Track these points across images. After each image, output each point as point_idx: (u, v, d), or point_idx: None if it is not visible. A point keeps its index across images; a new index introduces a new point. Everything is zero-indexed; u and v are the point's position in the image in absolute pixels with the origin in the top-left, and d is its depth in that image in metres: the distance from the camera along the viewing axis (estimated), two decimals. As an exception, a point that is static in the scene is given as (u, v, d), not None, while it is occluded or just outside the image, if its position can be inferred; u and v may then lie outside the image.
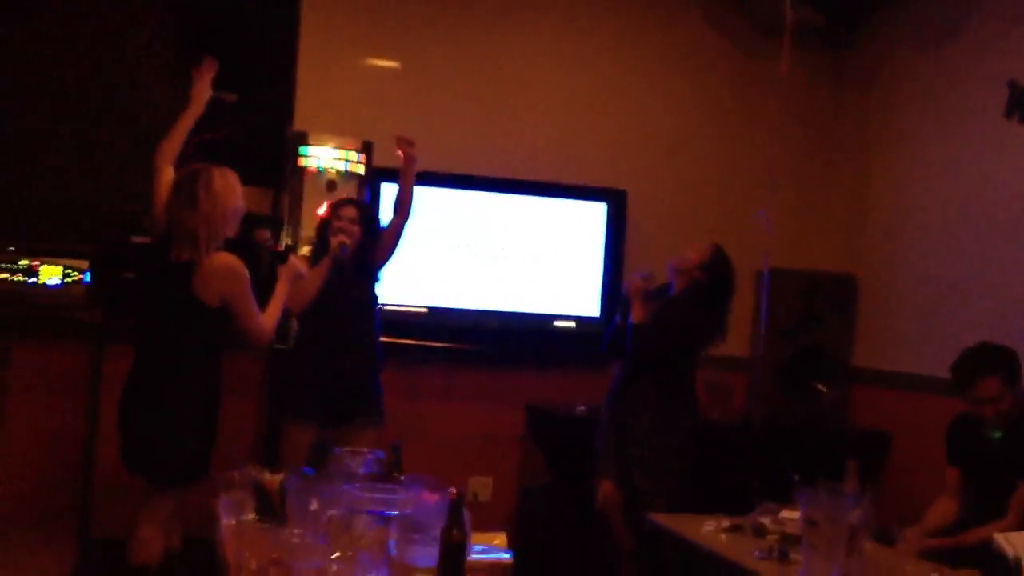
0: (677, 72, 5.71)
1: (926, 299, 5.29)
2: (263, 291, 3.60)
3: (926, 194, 5.39)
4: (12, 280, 4.60)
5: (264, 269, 4.14)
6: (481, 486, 5.34)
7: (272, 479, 2.88)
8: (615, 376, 4.47)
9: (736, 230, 5.60)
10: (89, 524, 4.71)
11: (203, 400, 3.46)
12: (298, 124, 5.08)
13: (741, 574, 3.12)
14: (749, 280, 5.65)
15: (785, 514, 3.33)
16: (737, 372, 5.54)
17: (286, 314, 3.90)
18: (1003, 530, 3.40)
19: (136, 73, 5.45)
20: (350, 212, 4.19)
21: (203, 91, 3.89)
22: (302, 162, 4.86)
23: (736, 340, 5.55)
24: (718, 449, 5.03)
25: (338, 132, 4.97)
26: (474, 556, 2.53)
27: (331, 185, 4.84)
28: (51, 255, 4.69)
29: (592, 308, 5.44)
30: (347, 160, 4.90)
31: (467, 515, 2.39)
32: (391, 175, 5.10)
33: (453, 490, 2.37)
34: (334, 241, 4.10)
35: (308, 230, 4.78)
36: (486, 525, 2.92)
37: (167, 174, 3.61)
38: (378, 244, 4.23)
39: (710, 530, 3.40)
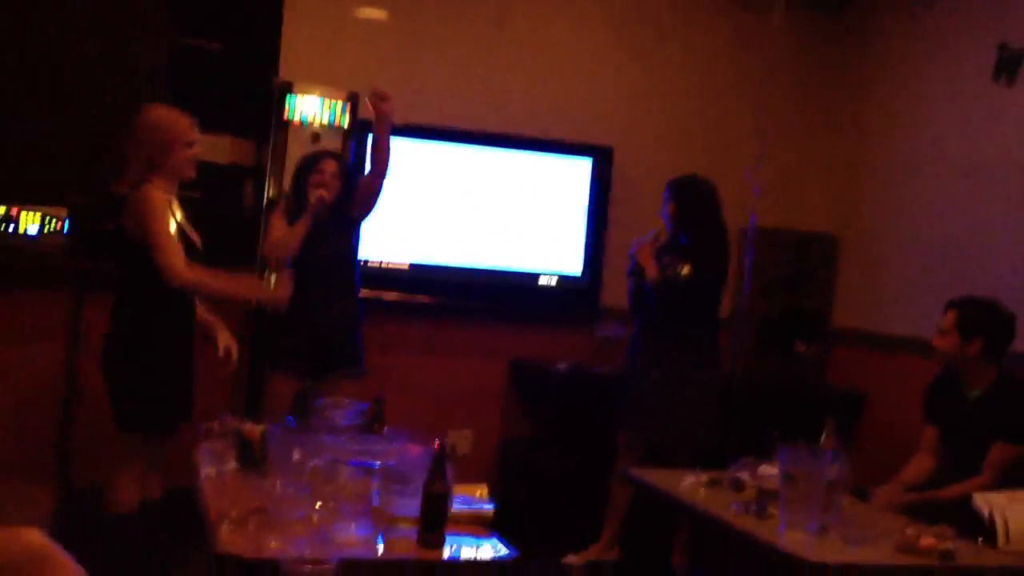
0: (666, 27, 5.67)
1: (907, 261, 5.32)
2: None
3: (912, 156, 5.40)
4: (-10, 228, 4.56)
5: None
6: (461, 439, 5.37)
7: (253, 429, 2.87)
8: (637, 333, 4.48)
9: (722, 188, 5.60)
10: (68, 473, 4.70)
11: (163, 342, 3.42)
12: (284, 74, 5.03)
13: (720, 528, 3.16)
14: (734, 238, 5.66)
15: (763, 469, 3.36)
16: (720, 331, 5.54)
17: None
18: (978, 487, 3.46)
19: (119, 22, 5.37)
20: (331, 166, 4.14)
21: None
22: (287, 113, 4.81)
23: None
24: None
25: (324, 83, 4.92)
26: (456, 507, 2.55)
27: (316, 137, 4.80)
28: (30, 203, 4.63)
29: (575, 265, 5.44)
30: (333, 112, 4.85)
31: (450, 468, 2.40)
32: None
33: (437, 442, 2.38)
34: (314, 195, 4.06)
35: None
36: (465, 477, 2.94)
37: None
38: (355, 198, 4.19)
39: (689, 485, 3.43)
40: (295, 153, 4.73)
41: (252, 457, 2.78)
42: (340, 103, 4.87)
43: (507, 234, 5.36)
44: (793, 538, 2.89)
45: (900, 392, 4.66)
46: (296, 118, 4.81)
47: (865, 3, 5.75)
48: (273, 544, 2.23)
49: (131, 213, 3.39)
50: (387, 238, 5.08)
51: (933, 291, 4.86)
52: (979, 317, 3.72)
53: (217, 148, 4.91)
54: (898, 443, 4.26)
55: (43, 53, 5.00)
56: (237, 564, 2.21)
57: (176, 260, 3.33)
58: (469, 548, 2.45)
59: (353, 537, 2.30)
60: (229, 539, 2.31)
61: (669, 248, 4.44)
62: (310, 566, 1.88)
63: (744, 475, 3.43)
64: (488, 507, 2.68)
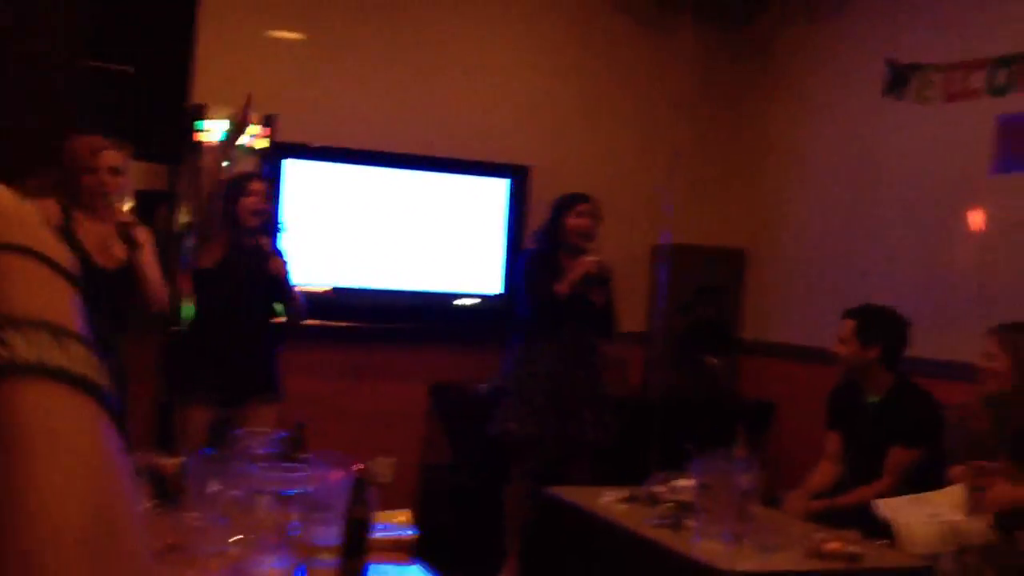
0: (580, 48, 5.76)
1: (809, 273, 5.49)
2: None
3: (809, 170, 5.58)
4: None
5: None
6: (384, 465, 5.34)
7: (168, 463, 2.83)
8: (557, 347, 4.54)
9: (636, 206, 5.71)
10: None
11: None
12: (197, 97, 4.99)
13: (638, 542, 3.23)
14: (647, 255, 5.78)
15: (679, 483, 3.44)
16: (633, 346, 5.65)
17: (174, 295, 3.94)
18: (879, 492, 3.59)
19: (30, 43, 5.28)
20: (260, 186, 4.15)
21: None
22: (198, 136, 4.78)
23: (632, 314, 5.67)
24: (618, 423, 5.13)
25: (238, 105, 4.90)
26: (378, 534, 2.56)
27: (230, 159, 4.78)
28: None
29: (495, 285, 5.48)
30: (248, 134, 4.84)
31: (371, 493, 2.41)
32: (293, 150, 5.08)
33: (357, 467, 2.39)
34: (247, 217, 4.06)
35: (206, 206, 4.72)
36: (389, 503, 2.95)
37: None
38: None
39: (608, 501, 3.50)
40: (211, 177, 4.71)
41: (167, 492, 2.75)
42: (256, 125, 4.86)
43: (426, 255, 5.37)
44: (708, 548, 2.97)
45: (807, 400, 4.80)
46: (209, 141, 4.79)
47: (766, 21, 5.91)
48: (192, 580, 2.22)
49: None
50: (307, 262, 5.06)
51: (835, 301, 5.02)
52: (876, 324, 3.86)
53: (130, 172, 4.86)
54: (806, 450, 4.38)
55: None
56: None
57: None
58: (391, 574, 2.47)
59: (272, 570, 2.30)
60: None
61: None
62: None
63: (660, 489, 3.50)
64: (411, 533, 2.70)
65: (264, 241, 4.11)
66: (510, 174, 5.50)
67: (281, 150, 4.98)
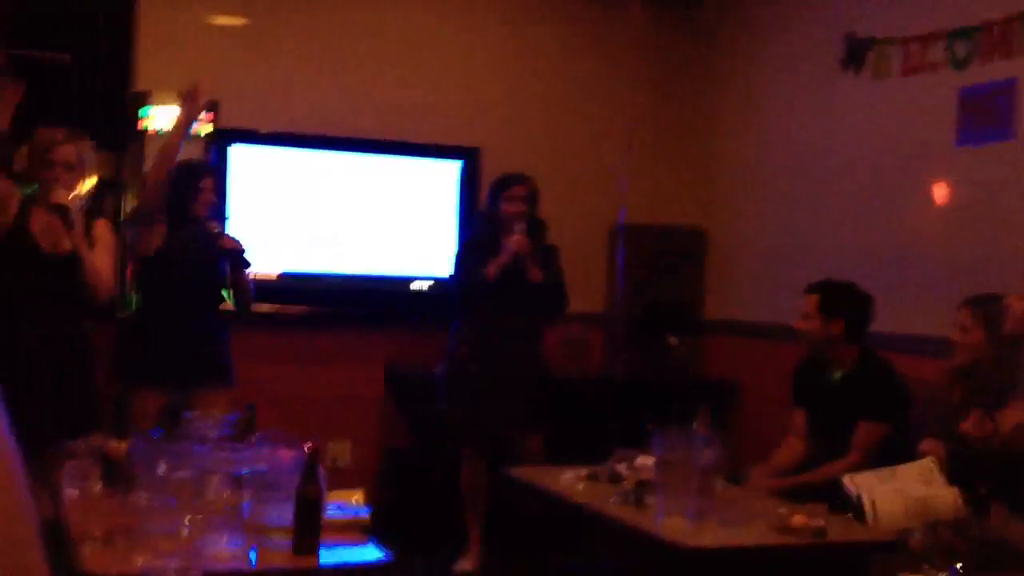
0: (528, 26, 5.70)
1: (770, 250, 5.48)
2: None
3: (768, 147, 5.56)
4: None
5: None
6: (340, 451, 5.28)
7: (118, 446, 2.80)
8: (493, 321, 4.49)
9: (591, 186, 5.67)
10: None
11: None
12: (141, 84, 4.88)
13: (600, 520, 3.18)
14: (604, 236, 5.74)
15: (640, 460, 3.40)
16: (593, 327, 5.61)
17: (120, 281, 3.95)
18: (847, 467, 3.57)
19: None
20: (209, 183, 4.18)
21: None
22: (143, 124, 4.68)
23: (591, 296, 5.64)
24: (576, 404, 5.10)
25: (191, 93, 4.78)
26: (331, 514, 2.50)
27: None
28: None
29: (448, 268, 5.40)
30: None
31: (322, 471, 2.35)
32: (239, 136, 4.98)
33: (308, 446, 2.33)
34: (200, 206, 4.10)
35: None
36: (349, 486, 2.89)
37: None
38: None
39: (568, 479, 3.45)
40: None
41: (117, 475, 2.69)
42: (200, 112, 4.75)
43: (378, 239, 5.30)
44: (671, 525, 2.93)
45: (771, 378, 4.79)
46: (153, 128, 4.68)
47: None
48: (140, 561, 2.15)
49: None
50: (255, 249, 4.96)
51: (798, 278, 5.01)
52: (839, 299, 3.85)
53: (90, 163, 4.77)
54: (772, 428, 4.37)
55: None
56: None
57: None
58: (344, 553, 2.41)
59: (224, 550, 2.24)
60: (94, 558, 2.22)
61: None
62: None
63: (621, 467, 3.46)
64: (364, 513, 2.64)
65: (212, 224, 4.08)
66: (461, 156, 5.44)
67: (226, 136, 4.88)
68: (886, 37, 4.77)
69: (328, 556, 2.33)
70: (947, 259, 4.48)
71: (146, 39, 4.98)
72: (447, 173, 5.43)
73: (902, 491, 3.17)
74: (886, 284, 4.36)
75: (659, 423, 3.16)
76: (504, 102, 5.65)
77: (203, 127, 4.78)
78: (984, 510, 3.05)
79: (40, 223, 3.75)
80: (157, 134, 4.67)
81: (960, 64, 4.41)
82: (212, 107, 4.77)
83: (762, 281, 5.50)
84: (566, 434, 4.65)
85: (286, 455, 2.38)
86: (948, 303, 3.71)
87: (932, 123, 4.57)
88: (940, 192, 4.61)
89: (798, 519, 2.93)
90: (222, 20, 5.18)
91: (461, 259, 4.63)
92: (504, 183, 4.58)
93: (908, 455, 3.38)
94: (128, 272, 4.42)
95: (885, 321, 4.07)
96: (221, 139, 4.86)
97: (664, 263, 5.69)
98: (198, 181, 4.14)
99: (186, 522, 2.25)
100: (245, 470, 2.32)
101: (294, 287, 5.12)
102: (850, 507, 3.19)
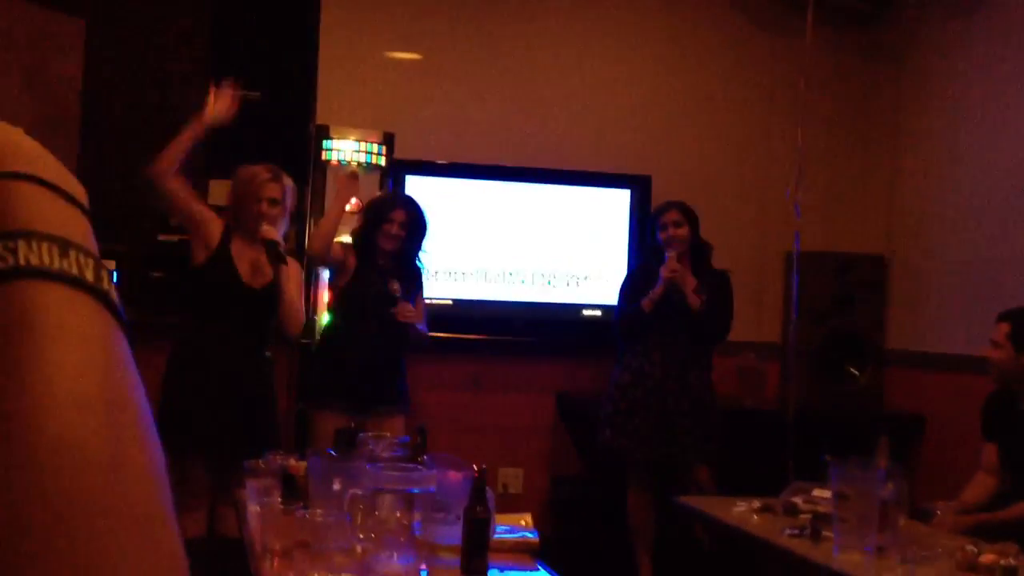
0: (701, 56, 5.66)
1: (957, 278, 5.21)
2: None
3: (956, 171, 5.31)
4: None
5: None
6: (512, 477, 5.32)
7: (298, 465, 2.89)
8: (659, 356, 4.46)
9: (764, 213, 5.56)
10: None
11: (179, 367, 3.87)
12: (320, 118, 5.09)
13: (773, 552, 3.09)
14: (779, 263, 5.60)
15: (817, 493, 3.29)
16: (770, 358, 5.48)
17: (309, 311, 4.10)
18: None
19: (166, 73, 5.49)
20: (401, 216, 4.22)
21: (219, 113, 3.98)
22: (324, 156, 4.87)
23: (768, 325, 5.51)
24: (752, 436, 4.98)
25: (360, 125, 4.98)
26: (499, 535, 2.52)
27: (353, 177, 4.85)
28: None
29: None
30: (369, 152, 4.90)
31: (490, 493, 2.37)
32: (413, 167, 5.13)
33: (476, 468, 2.35)
34: (385, 242, 4.18)
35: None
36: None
37: (177, 185, 3.82)
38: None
39: (741, 510, 3.37)
40: (334, 194, 4.78)
41: (296, 492, 2.78)
42: (376, 144, 4.92)
43: (549, 267, 5.34)
44: (849, 560, 2.82)
45: (959, 412, 4.55)
46: (334, 160, 4.86)
47: (899, 17, 5.70)
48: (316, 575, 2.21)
49: None
50: (431, 275, 5.08)
51: (987, 308, 4.76)
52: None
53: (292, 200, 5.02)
54: (960, 464, 4.15)
55: (89, 103, 5.11)
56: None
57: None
58: (512, 574, 2.42)
59: (396, 567, 2.27)
60: (273, 572, 2.30)
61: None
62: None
63: (797, 499, 3.36)
64: (532, 535, 2.64)
65: (393, 284, 4.13)
66: (632, 184, 5.42)
67: (401, 167, 5.02)
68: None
69: (496, 577, 2.35)
70: None
71: (327, 75, 5.20)
72: (618, 202, 5.43)
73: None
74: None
75: (838, 455, 3.04)
76: (674, 130, 5.61)
77: (379, 159, 4.94)
78: None
79: (243, 257, 3.92)
80: (339, 164, 4.85)
81: None
82: (387, 139, 4.94)
83: (948, 310, 5.24)
84: (738, 466, 4.55)
85: (455, 476, 2.41)
86: None
87: None
88: None
89: (987, 557, 2.77)
90: (398, 55, 5.36)
91: (624, 290, 4.64)
92: (658, 211, 4.58)
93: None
94: (328, 300, 4.56)
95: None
96: (397, 170, 5.01)
97: (843, 291, 5.49)
98: (389, 212, 4.21)
99: (360, 538, 2.30)
100: (416, 489, 2.36)
101: (467, 315, 5.20)
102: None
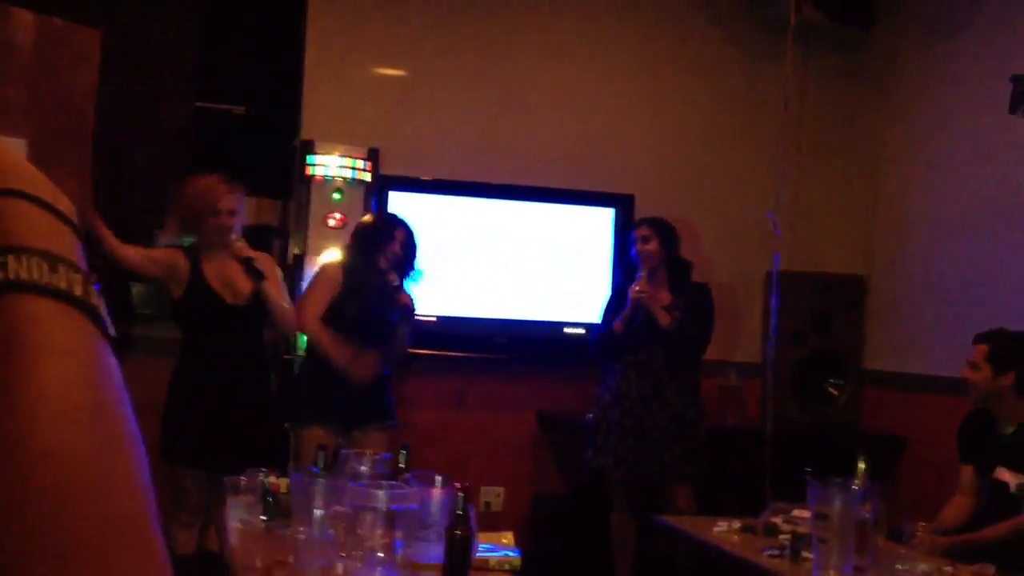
0: (684, 76, 5.70)
1: (935, 299, 5.26)
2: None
3: (934, 193, 5.37)
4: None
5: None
6: (494, 495, 5.32)
7: (279, 482, 2.88)
8: (625, 375, 4.47)
9: (745, 232, 5.59)
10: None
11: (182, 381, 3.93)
12: (305, 134, 5.10)
13: (753, 572, 3.10)
14: (759, 283, 5.64)
15: (797, 513, 3.31)
16: (749, 377, 5.50)
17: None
18: (1018, 527, 3.38)
19: (147, 87, 5.49)
20: (402, 235, 4.20)
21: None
22: (309, 171, 4.87)
23: (748, 344, 5.54)
24: (732, 455, 5.00)
25: (345, 140, 4.99)
26: (481, 553, 2.52)
27: (339, 193, 4.86)
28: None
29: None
30: (354, 168, 4.91)
31: (473, 511, 2.38)
32: (398, 183, 5.13)
33: (460, 485, 2.36)
34: (385, 260, 4.12)
35: (315, 239, 4.79)
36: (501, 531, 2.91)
37: (130, 253, 3.86)
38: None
39: (722, 530, 3.38)
40: (318, 210, 4.78)
41: (278, 509, 2.77)
42: (361, 160, 4.93)
43: (533, 285, 5.36)
44: (828, 579, 2.83)
45: (938, 432, 4.58)
46: (318, 175, 4.87)
47: (879, 41, 5.76)
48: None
49: None
50: (414, 292, 5.08)
51: (966, 328, 4.81)
52: (1011, 349, 3.66)
53: (244, 211, 5.00)
54: (939, 482, 4.18)
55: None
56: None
57: None
58: (495, 594, 2.42)
59: (377, 585, 2.28)
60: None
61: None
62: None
63: (777, 519, 3.38)
64: (515, 554, 2.65)
65: (392, 276, 4.13)
66: (615, 203, 5.45)
67: (386, 183, 5.04)
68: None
69: (478, 596, 2.35)
70: None
71: (312, 90, 5.21)
72: (601, 220, 5.45)
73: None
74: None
75: (817, 475, 3.06)
76: (658, 150, 5.65)
77: (364, 174, 4.94)
78: None
79: (216, 276, 3.92)
80: (324, 180, 4.86)
81: None
82: (372, 155, 4.95)
83: (926, 331, 5.28)
84: (719, 485, 4.57)
85: (438, 494, 2.42)
86: None
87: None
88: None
89: (965, 577, 2.80)
90: (383, 71, 5.37)
91: (605, 310, 4.68)
92: (633, 227, 4.57)
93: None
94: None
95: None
96: (381, 186, 5.02)
97: (823, 311, 5.53)
98: (391, 235, 4.16)
99: (341, 556, 2.30)
100: (398, 507, 2.36)
101: (451, 332, 5.20)
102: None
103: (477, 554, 2.46)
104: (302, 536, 2.31)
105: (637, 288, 4.40)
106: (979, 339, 3.74)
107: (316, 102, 5.21)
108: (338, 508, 2.34)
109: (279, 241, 5.13)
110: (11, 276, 0.50)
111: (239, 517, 2.80)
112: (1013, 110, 4.73)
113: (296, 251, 4.85)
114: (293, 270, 4.76)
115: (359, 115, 5.24)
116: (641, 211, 5.40)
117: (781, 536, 3.25)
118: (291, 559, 2.36)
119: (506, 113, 5.46)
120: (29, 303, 0.50)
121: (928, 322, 5.29)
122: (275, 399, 4.13)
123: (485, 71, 5.46)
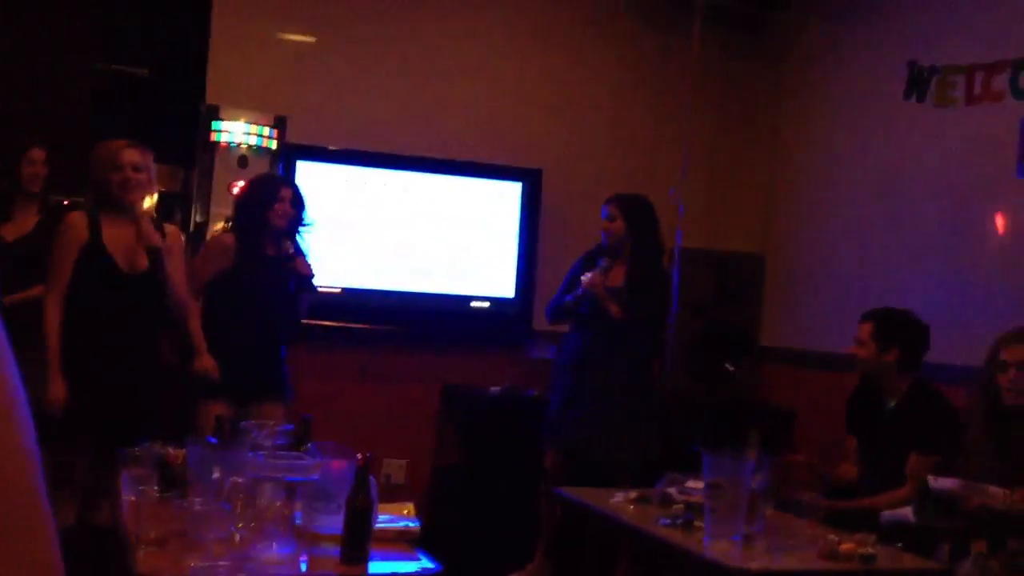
0: (593, 51, 5.74)
1: (829, 278, 5.43)
2: None
3: (830, 174, 5.53)
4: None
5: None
6: (395, 468, 5.33)
7: (176, 453, 2.85)
8: (580, 342, 4.54)
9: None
10: None
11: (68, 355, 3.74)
12: (210, 99, 5.00)
13: (649, 542, 3.18)
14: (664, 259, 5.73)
15: (691, 484, 3.39)
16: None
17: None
18: (901, 498, 3.53)
19: (45, 46, 5.32)
20: (288, 193, 4.14)
21: None
22: (213, 137, 4.79)
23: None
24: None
25: (251, 107, 4.91)
26: (381, 524, 2.54)
27: (243, 161, 4.78)
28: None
29: (508, 288, 5.45)
30: (260, 135, 4.83)
31: (374, 482, 2.39)
32: (304, 152, 5.08)
33: (361, 456, 2.37)
34: (276, 218, 4.07)
35: (219, 207, 4.72)
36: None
37: None
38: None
39: (618, 501, 3.45)
40: (222, 178, 4.70)
41: (174, 481, 2.75)
42: (267, 127, 4.86)
43: (439, 258, 5.35)
44: (718, 547, 2.92)
45: (829, 407, 4.73)
46: (223, 142, 4.79)
47: (782, 21, 5.88)
48: (192, 565, 2.20)
49: None
50: (319, 263, 5.05)
51: (858, 306, 4.97)
52: (894, 327, 3.81)
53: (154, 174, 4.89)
54: (830, 457, 4.32)
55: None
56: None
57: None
58: (393, 563, 2.44)
59: (274, 556, 2.28)
60: (147, 561, 2.28)
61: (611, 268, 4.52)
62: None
63: (672, 490, 3.46)
64: (414, 524, 2.67)
65: (287, 244, 4.10)
66: (523, 177, 5.48)
67: (293, 151, 4.98)
68: (949, 66, 4.73)
69: (377, 566, 2.37)
70: (1008, 289, 4.41)
71: (218, 54, 5.10)
72: (509, 194, 5.48)
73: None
74: (946, 313, 4.30)
75: (711, 447, 3.15)
76: (566, 125, 5.69)
77: (270, 142, 4.88)
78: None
79: (117, 244, 3.76)
80: (229, 148, 4.78)
81: (1023, 94, 4.37)
82: (279, 122, 4.88)
83: (821, 309, 5.45)
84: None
85: (338, 465, 2.42)
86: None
87: (994, 153, 4.52)
88: (1001, 221, 4.54)
89: (847, 546, 2.91)
90: (292, 37, 5.30)
91: (567, 276, 4.70)
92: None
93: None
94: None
95: (946, 351, 4.01)
96: (288, 154, 4.96)
97: (722, 288, 5.66)
98: (277, 191, 4.12)
99: (239, 527, 2.30)
100: (297, 478, 2.37)
101: (355, 304, 5.18)
102: (899, 534, 3.18)
103: (377, 525, 2.48)
104: (198, 507, 2.30)
105: (589, 277, 4.43)
106: (865, 317, 3.88)
107: (222, 67, 5.11)
108: (236, 479, 2.33)
109: (182, 208, 5.04)
110: None
111: (133, 489, 2.77)
112: (908, 94, 4.90)
113: (199, 219, 4.76)
114: (195, 238, 4.68)
115: (266, 82, 5.17)
116: (549, 186, 5.46)
117: (675, 506, 3.33)
118: (187, 530, 2.35)
119: (415, 84, 5.44)
120: None
121: (822, 300, 5.46)
122: (175, 372, 4.04)
123: (396, 40, 5.41)
